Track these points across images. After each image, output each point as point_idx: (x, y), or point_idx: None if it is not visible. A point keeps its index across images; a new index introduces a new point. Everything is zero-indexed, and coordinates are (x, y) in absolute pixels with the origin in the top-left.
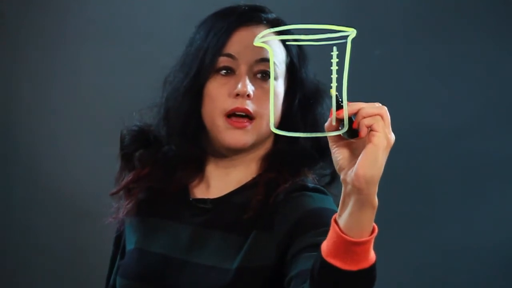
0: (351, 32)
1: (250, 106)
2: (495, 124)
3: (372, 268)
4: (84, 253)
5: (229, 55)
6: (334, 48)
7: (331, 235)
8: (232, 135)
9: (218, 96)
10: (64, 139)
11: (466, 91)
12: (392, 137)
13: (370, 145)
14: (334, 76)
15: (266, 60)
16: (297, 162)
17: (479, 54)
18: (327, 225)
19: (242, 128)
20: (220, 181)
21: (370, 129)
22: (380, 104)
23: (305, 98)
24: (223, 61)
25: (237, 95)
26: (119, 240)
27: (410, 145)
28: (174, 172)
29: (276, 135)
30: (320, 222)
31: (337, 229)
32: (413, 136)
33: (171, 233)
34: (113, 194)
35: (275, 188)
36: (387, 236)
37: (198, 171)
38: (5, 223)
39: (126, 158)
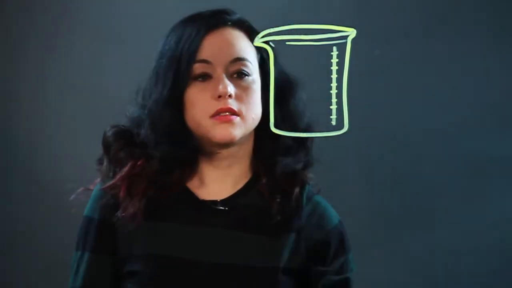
0: (351, 32)
1: (233, 104)
2: (495, 124)
3: None
4: None
5: (204, 61)
6: (334, 48)
7: None
8: (220, 130)
9: (200, 101)
10: (64, 139)
11: (466, 91)
12: None
13: None
14: (334, 76)
15: (240, 60)
16: (283, 155)
17: (479, 54)
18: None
19: (229, 121)
20: (218, 183)
21: None
22: None
23: (278, 90)
24: (198, 67)
25: (219, 96)
26: (101, 233)
27: (410, 145)
28: (170, 169)
29: (256, 132)
30: (342, 251)
31: None
32: (413, 136)
33: (197, 238)
34: (110, 188)
35: (280, 186)
36: (387, 236)
37: (194, 172)
38: (5, 223)
39: (114, 154)
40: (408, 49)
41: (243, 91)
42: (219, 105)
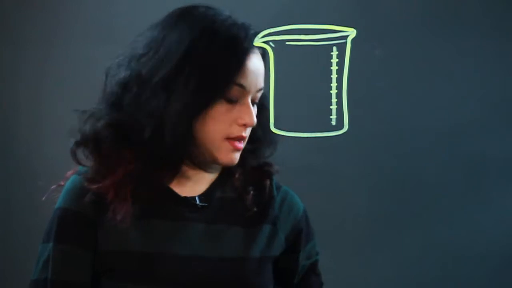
0: (351, 32)
1: (247, 133)
2: (495, 124)
3: None
4: None
5: (241, 86)
6: (334, 48)
7: None
8: (229, 155)
9: (223, 122)
10: (64, 138)
11: (466, 91)
12: None
13: None
14: (334, 76)
15: (261, 89)
16: (253, 148)
17: (480, 54)
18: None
19: (238, 149)
20: (194, 179)
21: None
22: None
23: (259, 106)
24: (235, 91)
25: (244, 124)
26: (74, 225)
27: (410, 145)
28: (159, 170)
29: None
30: (311, 236)
31: None
32: (413, 136)
33: (183, 233)
34: (97, 188)
35: (251, 179)
36: (387, 236)
37: (176, 172)
38: (5, 223)
39: (106, 154)
40: (408, 49)
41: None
42: (240, 132)
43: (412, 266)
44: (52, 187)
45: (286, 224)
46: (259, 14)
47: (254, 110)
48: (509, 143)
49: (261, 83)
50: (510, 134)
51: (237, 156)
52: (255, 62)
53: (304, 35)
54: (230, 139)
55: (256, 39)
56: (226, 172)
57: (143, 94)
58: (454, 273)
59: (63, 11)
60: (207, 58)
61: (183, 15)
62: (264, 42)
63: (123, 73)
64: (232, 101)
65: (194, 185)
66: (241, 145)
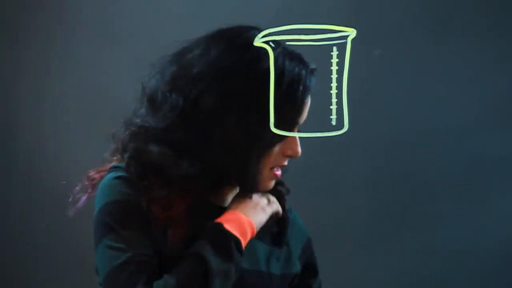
0: (351, 32)
1: None
2: (495, 124)
3: None
4: (83, 253)
5: (298, 123)
6: (334, 48)
7: None
8: (270, 183)
9: (274, 154)
10: (64, 138)
11: (466, 91)
12: None
13: None
14: (334, 76)
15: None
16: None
17: (479, 54)
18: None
19: (278, 177)
20: (230, 193)
21: None
22: None
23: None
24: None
25: (290, 156)
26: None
27: (410, 145)
28: (208, 188)
29: None
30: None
31: None
32: (413, 136)
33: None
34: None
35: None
36: (387, 236)
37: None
38: (5, 223)
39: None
40: (408, 49)
41: None
42: (284, 161)
43: (412, 266)
44: (84, 197)
45: (296, 245)
46: (259, 14)
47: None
48: (509, 143)
49: (270, 58)
50: (510, 134)
51: (273, 182)
52: (309, 97)
53: (304, 35)
54: (274, 169)
55: (256, 39)
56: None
57: (212, 126)
58: (454, 273)
59: (64, 12)
60: (277, 99)
61: (235, 41)
62: (264, 42)
63: (178, 98)
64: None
65: (219, 196)
66: (280, 172)
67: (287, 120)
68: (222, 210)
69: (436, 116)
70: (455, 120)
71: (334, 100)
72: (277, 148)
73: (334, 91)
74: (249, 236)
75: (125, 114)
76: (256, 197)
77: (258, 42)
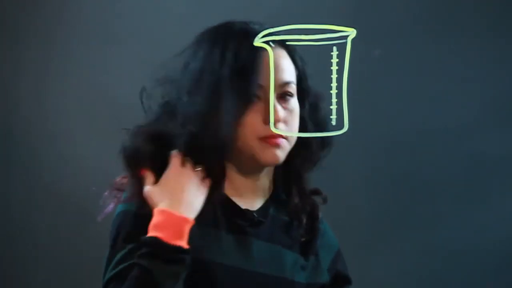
0: (351, 32)
1: (281, 128)
2: (495, 124)
3: None
4: (83, 253)
5: (261, 86)
6: (334, 48)
7: None
8: (268, 153)
9: (250, 123)
10: (64, 138)
11: (466, 91)
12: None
13: None
14: (334, 76)
15: (287, 83)
16: (308, 167)
17: (479, 54)
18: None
19: (277, 145)
20: (251, 192)
21: None
22: None
23: (311, 104)
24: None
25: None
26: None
27: (410, 145)
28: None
29: None
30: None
31: None
32: (413, 136)
33: (242, 246)
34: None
35: (306, 206)
36: (387, 236)
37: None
38: (5, 223)
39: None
40: (408, 49)
41: (289, 113)
42: (269, 131)
43: (412, 266)
44: (110, 206)
45: (325, 257)
46: (259, 14)
47: (292, 104)
48: (509, 143)
49: (281, 78)
50: (510, 134)
51: (279, 153)
52: (267, 58)
53: (304, 35)
54: (265, 139)
55: (256, 39)
56: (277, 190)
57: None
58: (454, 273)
59: (64, 12)
60: (212, 60)
61: (212, 32)
62: (264, 42)
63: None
64: (257, 102)
65: (252, 198)
66: (279, 141)
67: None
68: (242, 211)
69: (436, 116)
70: (455, 120)
71: (334, 100)
72: (247, 119)
73: (334, 91)
74: (187, 232)
75: (125, 114)
76: (184, 176)
77: (258, 42)
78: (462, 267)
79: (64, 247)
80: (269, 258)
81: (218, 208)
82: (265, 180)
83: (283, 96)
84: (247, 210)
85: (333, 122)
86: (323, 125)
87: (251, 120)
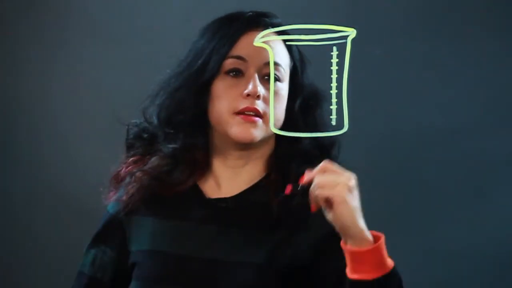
0: (351, 32)
1: (259, 106)
2: (495, 124)
3: (390, 274)
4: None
5: (239, 57)
6: (334, 48)
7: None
8: (242, 129)
9: (227, 96)
10: (64, 138)
11: (466, 91)
12: (351, 182)
13: (333, 214)
14: (334, 76)
15: (276, 63)
16: (301, 161)
17: (480, 54)
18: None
19: (252, 122)
20: (230, 181)
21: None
22: (329, 167)
23: (305, 101)
24: (232, 62)
25: (248, 95)
26: (105, 238)
27: (410, 145)
28: (178, 167)
29: (278, 135)
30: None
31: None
32: (413, 136)
33: (197, 235)
34: (115, 176)
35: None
36: (387, 236)
37: (205, 171)
38: (5, 223)
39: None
40: (408, 49)
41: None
42: (246, 103)
43: (412, 266)
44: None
45: (317, 233)
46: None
47: (277, 86)
48: (509, 143)
49: (267, 58)
50: (510, 134)
51: (253, 131)
52: (253, 38)
53: (304, 35)
54: (239, 113)
55: (256, 39)
56: (267, 176)
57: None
58: (454, 273)
59: (65, 12)
60: (199, 42)
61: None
62: (264, 42)
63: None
64: (236, 75)
65: (232, 186)
66: (254, 118)
67: (216, 52)
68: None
69: (436, 116)
70: (455, 120)
71: (334, 100)
72: (222, 91)
73: (334, 91)
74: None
75: (125, 114)
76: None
77: (258, 42)
78: (462, 267)
79: (65, 247)
80: (214, 242)
81: (182, 198)
82: (250, 167)
83: (267, 76)
84: (212, 199)
85: (333, 122)
86: (314, 126)
87: (229, 93)
